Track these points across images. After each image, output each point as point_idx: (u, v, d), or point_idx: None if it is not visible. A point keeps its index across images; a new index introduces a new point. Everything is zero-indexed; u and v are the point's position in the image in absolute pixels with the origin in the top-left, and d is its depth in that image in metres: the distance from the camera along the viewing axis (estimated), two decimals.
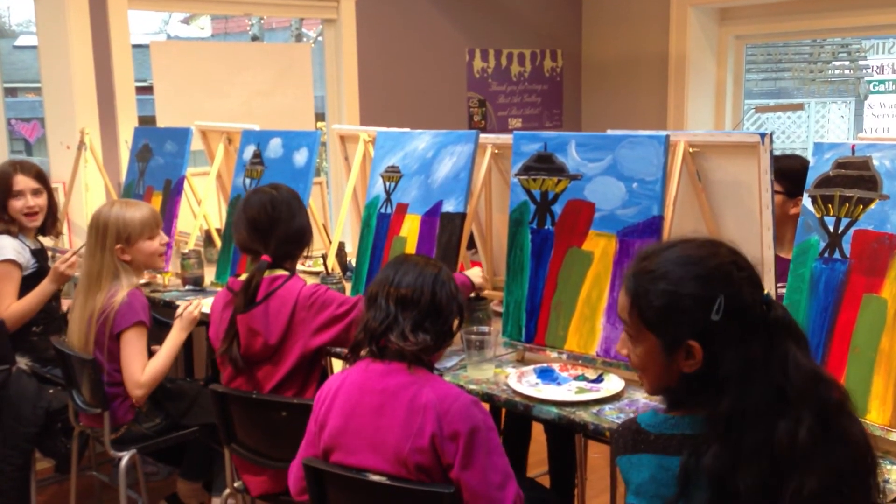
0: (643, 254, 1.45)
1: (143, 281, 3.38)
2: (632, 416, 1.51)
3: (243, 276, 2.47)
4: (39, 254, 3.32)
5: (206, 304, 2.85)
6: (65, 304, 3.36)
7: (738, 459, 1.29)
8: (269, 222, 2.45)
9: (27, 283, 3.17)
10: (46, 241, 3.51)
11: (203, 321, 2.81)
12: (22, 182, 3.26)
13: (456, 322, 1.95)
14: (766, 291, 1.38)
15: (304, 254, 2.58)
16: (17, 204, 3.25)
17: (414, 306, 1.86)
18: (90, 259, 2.76)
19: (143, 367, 2.67)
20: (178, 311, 2.80)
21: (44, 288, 3.14)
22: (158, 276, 3.40)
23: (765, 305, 1.37)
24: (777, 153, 2.41)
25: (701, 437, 1.34)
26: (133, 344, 2.67)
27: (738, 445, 1.30)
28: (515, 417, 3.00)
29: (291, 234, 2.48)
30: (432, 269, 1.91)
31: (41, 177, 3.35)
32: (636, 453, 1.38)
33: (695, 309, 1.35)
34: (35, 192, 3.30)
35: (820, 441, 1.30)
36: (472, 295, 2.62)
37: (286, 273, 2.45)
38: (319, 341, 2.37)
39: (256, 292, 2.40)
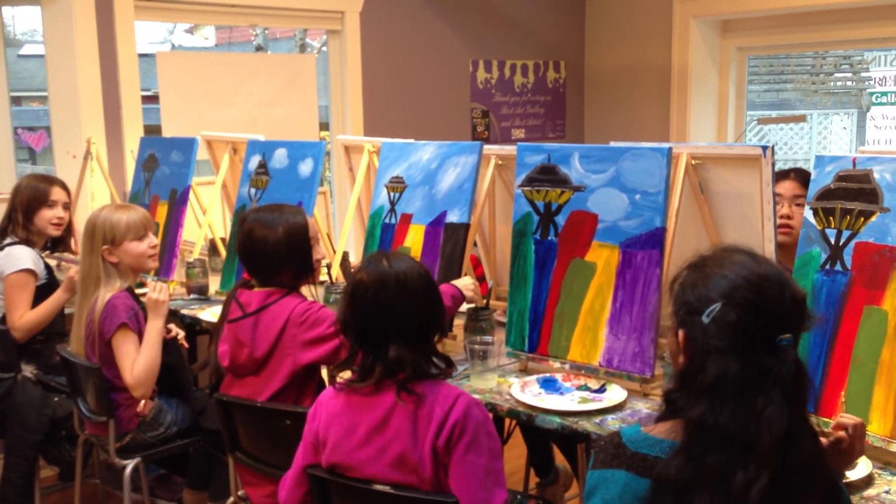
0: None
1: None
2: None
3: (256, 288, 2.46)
4: (48, 267, 3.36)
5: (201, 311, 2.84)
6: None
7: (698, 477, 1.26)
8: (265, 261, 2.40)
9: (38, 295, 3.19)
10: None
11: (205, 329, 2.81)
12: (58, 193, 3.40)
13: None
14: (786, 336, 1.29)
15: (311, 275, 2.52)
16: (48, 213, 3.35)
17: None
18: (83, 263, 2.79)
19: (131, 367, 2.68)
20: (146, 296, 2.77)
21: (58, 297, 3.17)
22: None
23: (774, 349, 1.28)
24: (778, 164, 2.42)
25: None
26: (119, 348, 2.68)
27: (700, 463, 1.27)
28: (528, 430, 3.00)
29: (291, 270, 2.42)
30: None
31: (69, 192, 3.50)
32: (610, 468, 1.35)
33: (694, 302, 1.34)
34: (65, 206, 3.43)
35: None
36: (475, 305, 2.63)
37: (284, 289, 2.40)
38: (309, 357, 2.33)
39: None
